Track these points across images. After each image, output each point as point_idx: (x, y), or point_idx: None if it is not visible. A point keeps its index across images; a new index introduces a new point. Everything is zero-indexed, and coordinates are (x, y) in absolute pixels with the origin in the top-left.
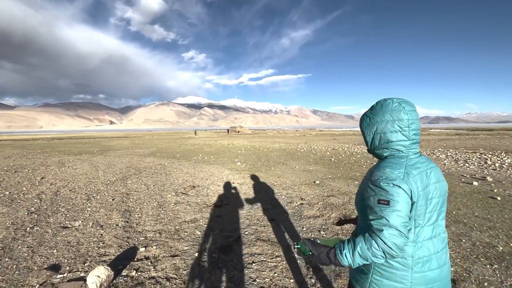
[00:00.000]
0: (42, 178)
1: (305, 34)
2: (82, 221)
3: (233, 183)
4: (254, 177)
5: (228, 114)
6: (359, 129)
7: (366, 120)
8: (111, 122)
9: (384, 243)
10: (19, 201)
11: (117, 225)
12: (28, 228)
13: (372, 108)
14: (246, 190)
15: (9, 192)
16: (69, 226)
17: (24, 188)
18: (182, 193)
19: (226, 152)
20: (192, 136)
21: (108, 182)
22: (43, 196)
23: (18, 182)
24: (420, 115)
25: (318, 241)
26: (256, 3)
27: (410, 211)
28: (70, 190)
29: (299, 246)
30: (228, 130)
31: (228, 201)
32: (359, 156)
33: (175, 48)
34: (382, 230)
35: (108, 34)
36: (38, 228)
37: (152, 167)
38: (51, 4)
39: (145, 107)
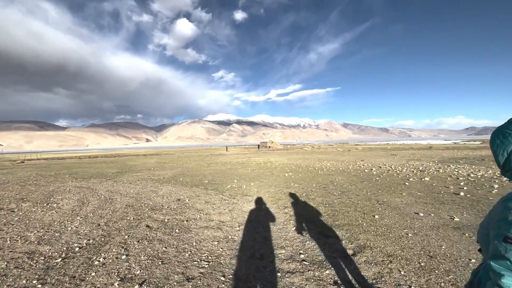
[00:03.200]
0: None
1: (333, 48)
2: None
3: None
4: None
5: (256, 130)
6: (406, 141)
7: (499, 136)
8: (147, 140)
9: None
10: None
11: None
12: None
13: (509, 122)
14: None
15: None
16: None
17: None
18: None
19: (268, 174)
20: (222, 153)
21: (60, 256)
22: None
23: None
24: (464, 126)
25: None
26: (282, 22)
27: None
28: None
29: None
30: (258, 145)
31: None
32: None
33: (205, 69)
34: (503, 276)
35: (147, 59)
36: None
37: (164, 206)
38: (99, 36)
39: (178, 125)
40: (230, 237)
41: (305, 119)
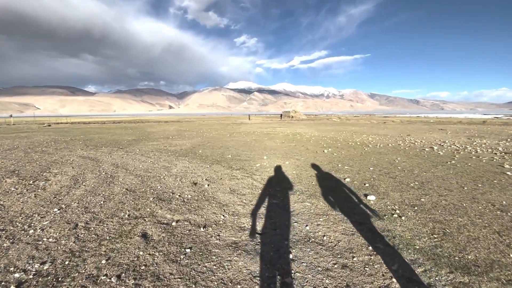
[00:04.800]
0: None
1: (365, 9)
2: None
3: None
4: None
5: (277, 99)
6: (439, 114)
7: None
8: (170, 107)
9: None
10: None
11: None
12: None
13: None
14: None
15: None
16: None
17: None
18: None
19: (302, 150)
20: (244, 122)
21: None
22: None
23: None
24: (508, 99)
25: None
26: None
27: None
28: None
29: None
30: (281, 115)
31: None
32: None
33: (227, 34)
34: None
35: (168, 24)
36: None
37: (174, 194)
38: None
39: (200, 93)
40: (276, 274)
41: (329, 89)
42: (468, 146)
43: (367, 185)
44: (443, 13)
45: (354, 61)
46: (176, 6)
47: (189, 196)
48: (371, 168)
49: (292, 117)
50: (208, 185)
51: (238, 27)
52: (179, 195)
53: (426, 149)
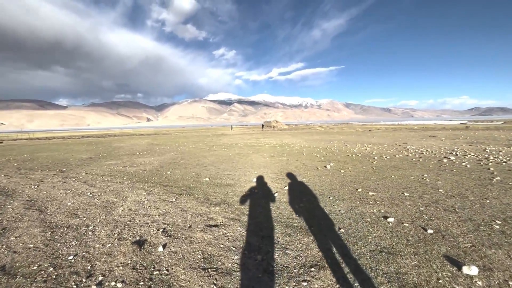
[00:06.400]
0: None
1: (338, 24)
2: None
3: None
4: None
5: (257, 110)
6: (410, 121)
7: None
8: (148, 119)
9: None
10: None
11: None
12: None
13: None
14: None
15: None
16: None
17: None
18: None
19: (299, 166)
20: (225, 133)
21: None
22: None
23: None
24: (468, 106)
25: None
26: None
27: None
28: None
29: None
30: (262, 125)
31: None
32: None
33: (206, 46)
34: None
35: (145, 36)
36: None
37: (96, 272)
38: (95, 10)
39: (179, 105)
40: None
41: (307, 99)
42: (483, 155)
43: (430, 231)
44: (410, 25)
45: (330, 72)
46: (153, 18)
47: (128, 277)
48: (405, 194)
49: (273, 127)
50: (164, 246)
51: (216, 40)
52: (108, 273)
53: (444, 160)
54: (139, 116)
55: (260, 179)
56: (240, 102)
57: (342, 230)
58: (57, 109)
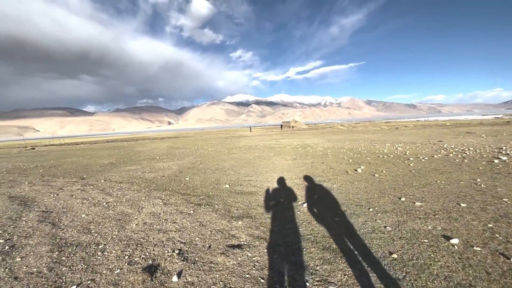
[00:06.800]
0: None
1: (357, 19)
2: None
3: None
4: None
5: (275, 110)
6: (438, 117)
7: None
8: (169, 123)
9: None
10: None
11: None
12: None
13: None
14: None
15: None
16: None
17: None
18: None
19: (326, 169)
20: (244, 134)
21: None
22: None
23: None
24: (503, 99)
25: None
26: None
27: None
28: None
29: None
30: (281, 125)
31: None
32: None
33: (223, 49)
34: None
35: (165, 42)
36: None
37: None
38: (118, 20)
39: (198, 108)
40: None
41: (326, 97)
42: None
43: None
44: (433, 18)
45: (349, 69)
46: (172, 25)
47: None
48: (462, 205)
49: (292, 127)
50: (179, 275)
51: (233, 42)
52: None
53: (495, 161)
54: (161, 120)
55: (284, 185)
56: (257, 103)
57: (394, 256)
58: (85, 115)
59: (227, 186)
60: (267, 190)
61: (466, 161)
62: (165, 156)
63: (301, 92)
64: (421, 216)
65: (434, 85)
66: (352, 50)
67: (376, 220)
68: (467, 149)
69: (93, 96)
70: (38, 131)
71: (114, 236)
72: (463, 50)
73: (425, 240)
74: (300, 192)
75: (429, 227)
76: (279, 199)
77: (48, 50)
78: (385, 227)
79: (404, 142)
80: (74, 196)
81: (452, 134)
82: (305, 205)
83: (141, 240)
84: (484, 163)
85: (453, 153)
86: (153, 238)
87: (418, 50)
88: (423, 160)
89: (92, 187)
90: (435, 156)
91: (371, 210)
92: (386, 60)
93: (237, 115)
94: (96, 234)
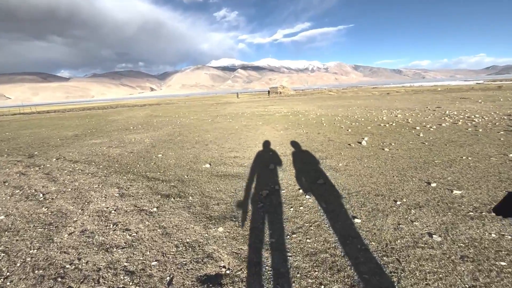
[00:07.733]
0: None
1: None
2: None
3: None
4: None
5: (262, 75)
6: (422, 83)
7: None
8: (152, 89)
9: None
10: None
11: None
12: None
13: None
14: None
15: None
16: None
17: None
18: None
19: (323, 141)
20: (230, 101)
21: None
22: None
23: None
24: (484, 65)
25: None
26: None
27: None
28: None
29: None
30: (268, 91)
31: None
32: None
33: (206, 8)
34: None
35: None
36: None
37: None
38: None
39: (181, 73)
40: None
41: (313, 62)
42: None
43: None
44: None
45: (338, 32)
46: None
47: None
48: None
49: (280, 93)
50: None
51: (217, 0)
52: None
53: None
54: (143, 86)
55: (278, 164)
56: (244, 67)
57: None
58: (60, 81)
59: (208, 165)
60: (257, 173)
61: (480, 130)
62: (141, 126)
63: (289, 57)
64: (470, 212)
65: (421, 50)
66: (342, 11)
67: (412, 221)
68: (473, 116)
69: (66, 60)
70: (10, 98)
71: (28, 260)
72: (450, 14)
73: (503, 263)
74: (299, 174)
75: (493, 235)
76: (273, 186)
77: (9, 6)
78: (430, 235)
79: (401, 108)
80: (6, 183)
81: (447, 100)
82: (308, 196)
83: (66, 267)
84: (502, 132)
85: (461, 121)
86: (84, 265)
87: (406, 13)
88: (431, 129)
89: (37, 169)
90: (443, 125)
91: (398, 203)
92: (375, 23)
93: (223, 81)
94: (3, 255)
